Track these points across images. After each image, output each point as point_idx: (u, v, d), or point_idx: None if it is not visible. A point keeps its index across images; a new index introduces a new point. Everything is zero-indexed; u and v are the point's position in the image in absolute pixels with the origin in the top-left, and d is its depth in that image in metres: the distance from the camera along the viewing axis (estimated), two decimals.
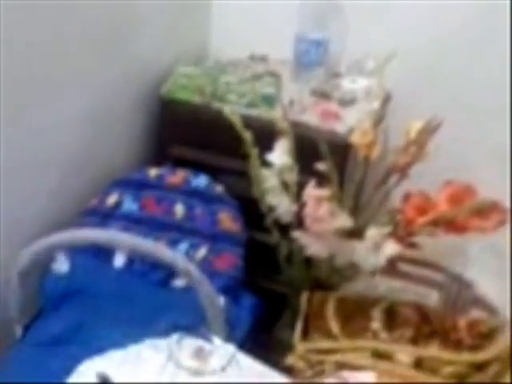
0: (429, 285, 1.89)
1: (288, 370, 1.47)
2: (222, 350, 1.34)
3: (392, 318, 1.57)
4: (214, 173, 1.87)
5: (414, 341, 1.52)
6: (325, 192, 1.51)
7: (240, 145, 1.62)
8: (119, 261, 1.67)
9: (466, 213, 1.49)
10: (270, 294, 1.83)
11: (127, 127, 2.02)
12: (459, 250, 2.06)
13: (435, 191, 1.55)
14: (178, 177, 1.83)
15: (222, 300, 1.54)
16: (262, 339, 1.65)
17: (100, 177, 1.88)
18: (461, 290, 1.88)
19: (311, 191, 1.53)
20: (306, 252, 1.59)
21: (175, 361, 1.35)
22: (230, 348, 1.35)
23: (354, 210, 1.60)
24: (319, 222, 1.51)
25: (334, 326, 1.51)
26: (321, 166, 1.51)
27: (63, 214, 1.77)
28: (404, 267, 1.90)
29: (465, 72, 2.03)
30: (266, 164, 1.64)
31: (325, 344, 1.47)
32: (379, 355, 1.44)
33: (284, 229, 1.67)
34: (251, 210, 1.74)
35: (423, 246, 1.59)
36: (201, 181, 1.82)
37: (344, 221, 1.51)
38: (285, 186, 1.65)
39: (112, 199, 1.80)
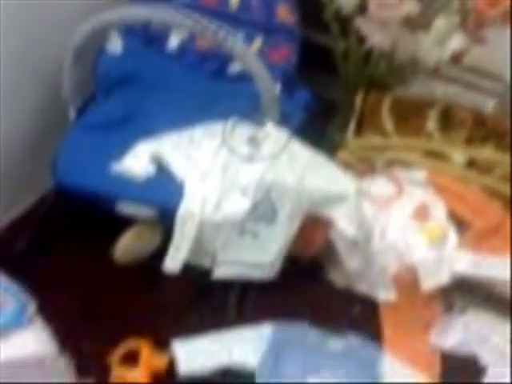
0: (486, 93, 1.86)
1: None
2: (275, 136, 1.36)
3: (447, 120, 1.55)
4: None
5: (469, 142, 1.51)
6: None
7: None
8: (173, 43, 1.64)
9: None
10: (322, 99, 1.82)
11: None
12: None
13: None
14: None
15: (278, 87, 1.52)
16: (312, 139, 1.65)
17: None
18: None
19: None
20: (367, 43, 1.54)
21: (229, 146, 1.37)
22: (284, 135, 1.36)
23: None
24: (385, 7, 1.43)
25: (389, 124, 1.50)
26: None
27: None
28: (462, 75, 1.86)
29: None
30: None
31: (378, 141, 1.47)
32: (432, 155, 1.46)
33: (343, 23, 1.61)
34: (308, 5, 1.67)
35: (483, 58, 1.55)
36: None
37: (412, 7, 1.44)
38: None
39: None
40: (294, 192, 1.37)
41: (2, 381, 1.37)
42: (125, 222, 1.49)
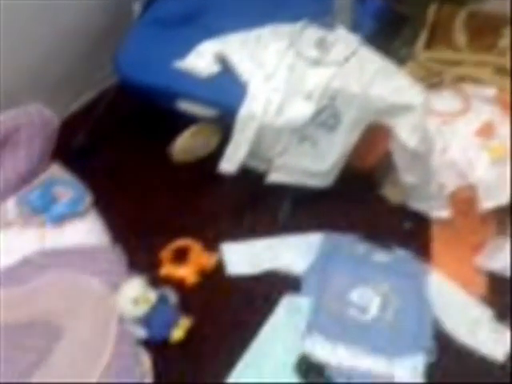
0: None
1: None
2: (345, 41, 1.32)
3: None
4: None
5: None
6: None
7: None
8: None
9: None
10: (392, 11, 1.76)
11: None
12: None
13: None
14: None
15: None
16: (379, 50, 1.58)
17: None
18: None
19: None
20: None
21: (296, 49, 1.34)
22: (355, 40, 1.33)
23: None
24: None
25: (461, 38, 1.45)
26: None
27: None
28: None
29: None
30: None
31: (449, 55, 1.43)
32: (503, 72, 1.41)
33: None
34: None
35: None
36: None
37: None
38: None
39: None
40: (360, 99, 1.35)
41: (57, 266, 1.43)
42: (184, 122, 1.48)
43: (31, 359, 1.23)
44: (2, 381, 1.21)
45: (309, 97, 1.36)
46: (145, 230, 1.53)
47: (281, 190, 1.53)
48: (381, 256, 1.48)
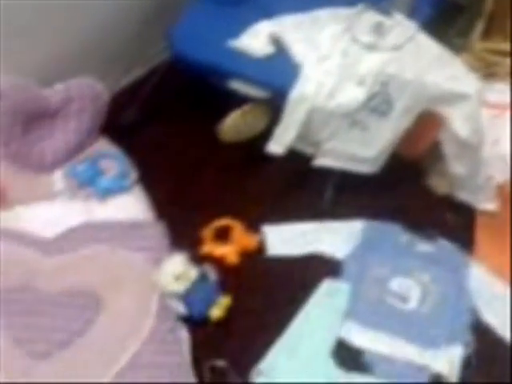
0: None
1: None
2: (402, 27, 1.31)
3: None
4: None
5: None
6: None
7: None
8: None
9: None
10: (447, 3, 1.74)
11: None
12: None
13: None
14: None
15: None
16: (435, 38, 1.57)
17: None
18: None
19: None
20: None
21: (352, 33, 1.34)
22: (411, 26, 1.32)
23: None
24: None
25: None
26: None
27: None
28: None
29: None
30: None
31: (505, 46, 1.41)
32: None
33: None
34: None
35: None
36: None
37: None
38: None
39: None
40: (414, 86, 1.34)
41: (101, 239, 1.44)
42: (234, 102, 1.49)
43: (73, 328, 1.25)
44: (44, 348, 1.23)
45: (361, 82, 1.35)
46: (188, 207, 1.54)
47: (326, 174, 1.52)
48: (423, 246, 1.47)
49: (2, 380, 1.19)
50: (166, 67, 1.66)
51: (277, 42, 1.43)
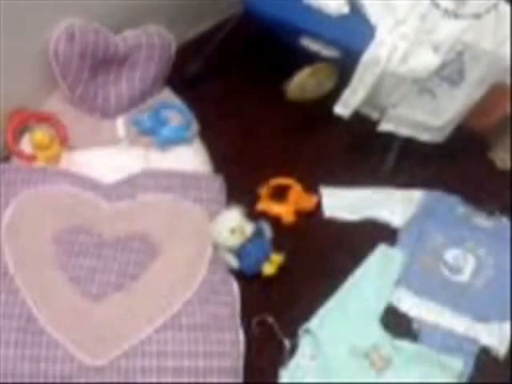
0: None
1: None
2: None
3: None
4: None
5: None
6: None
7: None
8: None
9: None
10: None
11: None
12: None
13: None
14: None
15: None
16: None
17: None
18: None
19: None
20: None
21: None
22: None
23: None
24: None
25: None
26: None
27: None
28: None
29: None
30: None
31: None
32: None
33: None
34: None
35: None
36: None
37: None
38: None
39: None
40: (489, 57, 1.31)
41: (160, 187, 1.46)
42: (301, 60, 1.47)
43: (127, 272, 1.27)
44: (99, 289, 1.24)
45: (437, 48, 1.32)
46: (248, 163, 1.54)
47: (389, 140, 1.51)
48: (481, 220, 1.46)
49: (58, 317, 1.21)
50: (235, 21, 1.64)
51: (353, 1, 1.39)
